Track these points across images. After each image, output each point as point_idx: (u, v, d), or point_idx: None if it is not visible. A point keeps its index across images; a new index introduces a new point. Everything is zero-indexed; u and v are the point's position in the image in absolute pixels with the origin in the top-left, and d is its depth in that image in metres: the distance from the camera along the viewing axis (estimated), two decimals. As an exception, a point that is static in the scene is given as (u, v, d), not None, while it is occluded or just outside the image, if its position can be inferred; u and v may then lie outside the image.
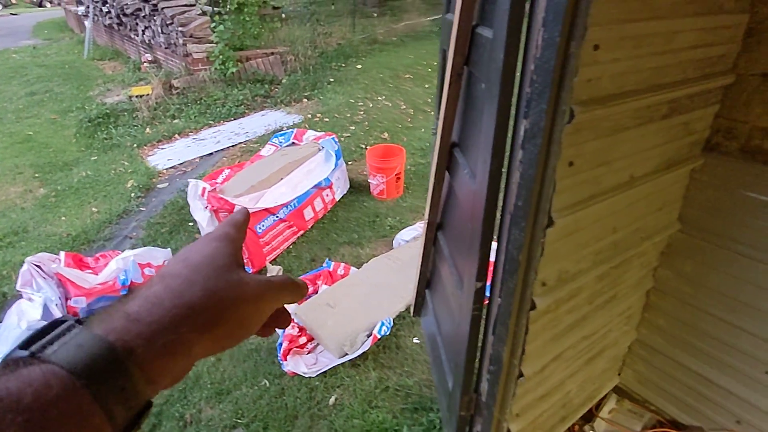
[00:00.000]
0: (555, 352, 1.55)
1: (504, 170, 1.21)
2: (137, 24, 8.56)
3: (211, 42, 7.32)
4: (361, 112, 6.51)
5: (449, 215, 1.84)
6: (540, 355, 1.48)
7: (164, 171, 5.25)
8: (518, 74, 1.11)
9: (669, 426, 1.91)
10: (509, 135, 1.17)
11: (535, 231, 1.20)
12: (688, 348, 1.83)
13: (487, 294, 1.40)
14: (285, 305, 0.46)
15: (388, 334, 2.90)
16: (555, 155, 1.09)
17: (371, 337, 2.80)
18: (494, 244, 1.29)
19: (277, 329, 0.49)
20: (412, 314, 2.61)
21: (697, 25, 1.19)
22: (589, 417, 2.01)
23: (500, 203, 1.26)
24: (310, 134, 4.45)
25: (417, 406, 2.53)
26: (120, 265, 3.19)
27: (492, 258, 1.34)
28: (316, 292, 3.20)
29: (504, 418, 1.55)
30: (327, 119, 6.31)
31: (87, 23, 10.35)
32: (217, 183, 3.70)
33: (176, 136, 6.16)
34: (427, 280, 2.31)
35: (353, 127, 6.07)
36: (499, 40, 1.08)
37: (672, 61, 1.20)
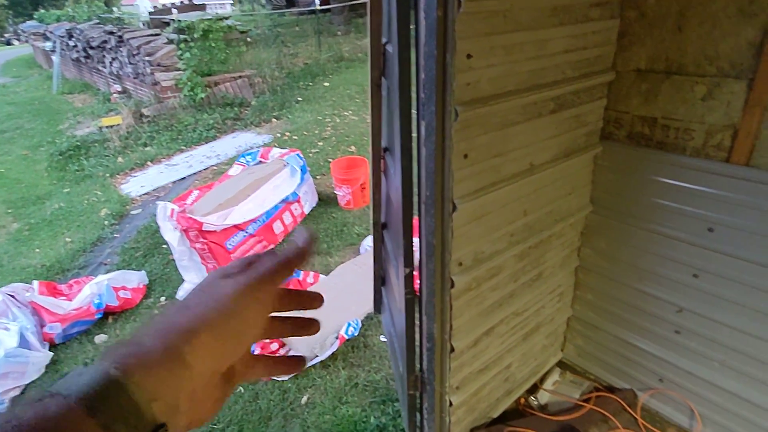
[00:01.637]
0: (485, 328, 1.72)
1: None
2: (104, 56, 8.69)
3: (179, 69, 7.48)
4: (329, 128, 6.71)
5: (389, 214, 2.01)
6: (469, 330, 1.66)
7: (137, 198, 5.36)
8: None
9: (605, 391, 2.09)
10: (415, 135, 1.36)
11: (444, 217, 1.38)
12: (613, 318, 2.02)
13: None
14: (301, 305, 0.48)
15: (356, 334, 3.05)
16: (449, 149, 1.28)
17: (339, 338, 2.95)
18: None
19: (302, 334, 0.49)
20: (373, 312, 2.77)
21: (564, 33, 1.39)
22: (535, 390, 2.18)
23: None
24: (276, 152, 4.62)
25: (384, 399, 2.68)
26: (94, 290, 3.30)
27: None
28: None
29: (445, 391, 1.71)
30: (296, 137, 6.49)
31: (54, 58, 10.43)
32: (186, 204, 3.84)
33: (149, 163, 6.27)
34: (381, 278, 2.48)
35: (321, 143, 6.26)
36: (396, 54, 1.27)
37: (548, 64, 1.41)
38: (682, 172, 1.58)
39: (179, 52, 7.42)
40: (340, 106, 7.54)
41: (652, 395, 1.98)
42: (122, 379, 0.31)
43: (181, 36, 7.70)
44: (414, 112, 1.33)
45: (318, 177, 5.33)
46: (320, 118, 7.04)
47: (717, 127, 1.46)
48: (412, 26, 1.20)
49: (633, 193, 1.74)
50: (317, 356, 2.93)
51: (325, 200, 4.82)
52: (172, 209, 3.49)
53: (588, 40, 1.49)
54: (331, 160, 5.43)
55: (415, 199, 1.44)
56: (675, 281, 1.73)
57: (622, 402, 2.00)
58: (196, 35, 7.71)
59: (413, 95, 1.30)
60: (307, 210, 4.56)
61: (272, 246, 4.11)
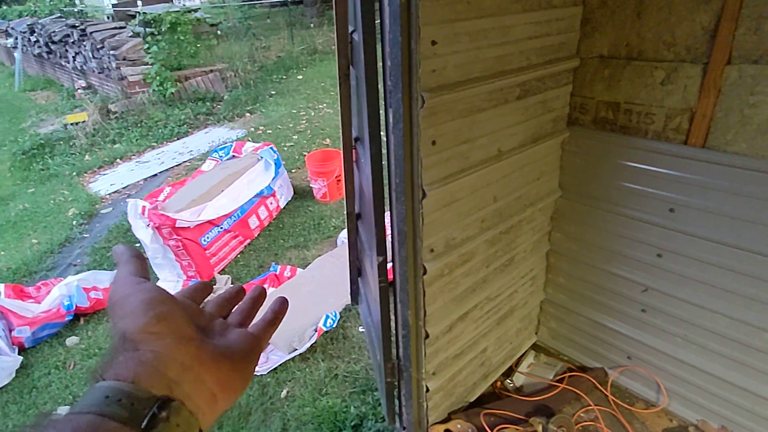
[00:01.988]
0: (459, 313, 1.75)
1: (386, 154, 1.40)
2: (67, 51, 8.41)
3: (146, 63, 7.30)
4: (304, 121, 6.66)
5: (362, 205, 2.02)
6: (443, 316, 1.68)
7: (107, 196, 5.23)
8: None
9: (577, 371, 2.15)
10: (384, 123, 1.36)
11: (414, 204, 1.39)
12: (584, 300, 2.07)
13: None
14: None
15: (335, 326, 3.06)
16: (417, 136, 1.29)
17: (317, 331, 2.95)
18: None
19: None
20: (350, 303, 2.78)
21: (528, 19, 1.41)
22: (511, 373, 2.23)
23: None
24: (249, 146, 4.56)
25: (364, 388, 2.70)
26: (63, 291, 3.21)
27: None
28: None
29: (421, 377, 1.74)
30: (270, 131, 6.42)
31: (16, 55, 10.05)
32: (158, 201, 3.76)
33: (118, 160, 6.12)
34: (357, 269, 2.49)
35: (296, 137, 6.21)
36: (361, 43, 1.27)
37: (513, 50, 1.43)
38: (644, 155, 1.63)
39: (146, 46, 7.23)
40: (314, 99, 7.48)
41: (622, 372, 2.04)
42: (120, 380, 0.33)
43: (148, 29, 7.50)
44: (381, 100, 1.34)
45: (293, 170, 5.30)
46: (294, 111, 6.97)
47: (675, 110, 1.51)
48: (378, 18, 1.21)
49: (599, 176, 1.79)
50: (296, 349, 2.92)
51: (301, 194, 4.79)
52: (144, 206, 3.42)
53: (552, 26, 1.52)
54: (306, 153, 5.40)
55: (387, 187, 1.45)
56: (640, 261, 1.79)
57: (593, 380, 2.06)
58: (163, 28, 7.54)
59: (380, 83, 1.31)
60: (282, 204, 4.53)
61: (248, 241, 4.07)
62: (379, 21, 1.24)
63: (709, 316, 1.66)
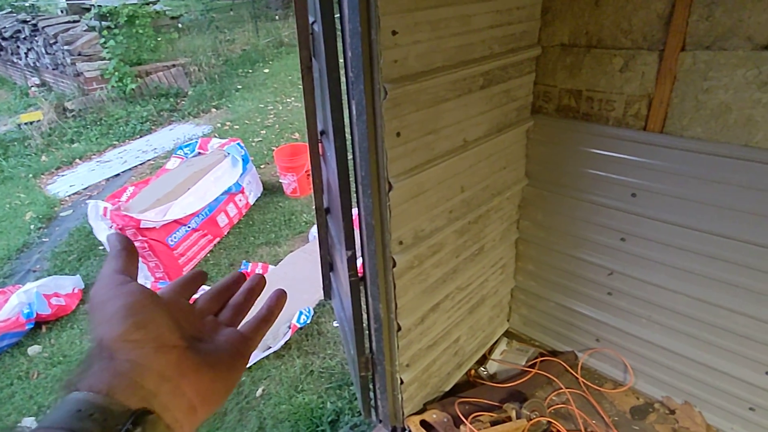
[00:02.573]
0: (430, 304, 1.75)
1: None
2: (18, 47, 8.02)
3: (104, 59, 7.02)
4: (272, 116, 6.55)
5: (330, 199, 1.99)
6: (414, 308, 1.68)
7: (67, 198, 5.03)
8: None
9: (549, 355, 2.19)
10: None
11: (381, 196, 1.38)
12: (553, 285, 2.11)
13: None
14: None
15: (309, 322, 3.03)
16: (381, 128, 1.28)
17: (291, 327, 2.92)
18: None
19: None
20: (324, 298, 2.76)
21: (489, 8, 1.41)
22: (484, 361, 2.25)
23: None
24: (215, 142, 4.46)
25: (340, 384, 2.69)
26: (22, 299, 3.08)
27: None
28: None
29: (395, 369, 1.74)
30: (237, 126, 6.29)
31: (-38, 51, 9.50)
32: (120, 201, 3.64)
33: (77, 160, 5.89)
34: (329, 264, 2.46)
35: (264, 131, 6.10)
36: (322, 33, 1.24)
37: (475, 39, 1.42)
38: (606, 142, 1.66)
39: (102, 40, 6.95)
40: (282, 92, 7.36)
41: (591, 355, 2.09)
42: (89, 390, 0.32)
43: (104, 23, 7.20)
44: (345, 92, 1.32)
45: (262, 166, 5.21)
46: (262, 105, 6.85)
47: (634, 97, 1.54)
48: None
49: (564, 164, 1.81)
50: (270, 347, 2.89)
51: (271, 189, 4.72)
52: (105, 207, 3.30)
53: (513, 15, 1.52)
54: (274, 148, 5.31)
55: (353, 181, 1.44)
56: (605, 246, 1.82)
57: (564, 364, 2.10)
58: (120, 21, 7.24)
59: (342, 75, 1.28)
60: (252, 200, 4.46)
61: (218, 239, 3.99)
62: (338, 12, 1.22)
63: (671, 296, 1.71)
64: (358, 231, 1.49)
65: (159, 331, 0.37)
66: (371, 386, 1.89)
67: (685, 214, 1.56)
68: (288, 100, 7.09)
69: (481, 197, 1.77)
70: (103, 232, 3.31)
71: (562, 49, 1.65)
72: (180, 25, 9.46)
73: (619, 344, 1.97)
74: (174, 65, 7.67)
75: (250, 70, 8.41)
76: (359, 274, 1.55)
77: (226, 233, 4.09)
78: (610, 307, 1.94)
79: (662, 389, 1.91)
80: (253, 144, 5.66)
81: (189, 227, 3.65)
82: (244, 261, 3.69)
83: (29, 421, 2.73)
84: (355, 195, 1.46)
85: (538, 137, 1.84)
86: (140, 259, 3.45)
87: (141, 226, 3.26)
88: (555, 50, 1.66)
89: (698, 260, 1.59)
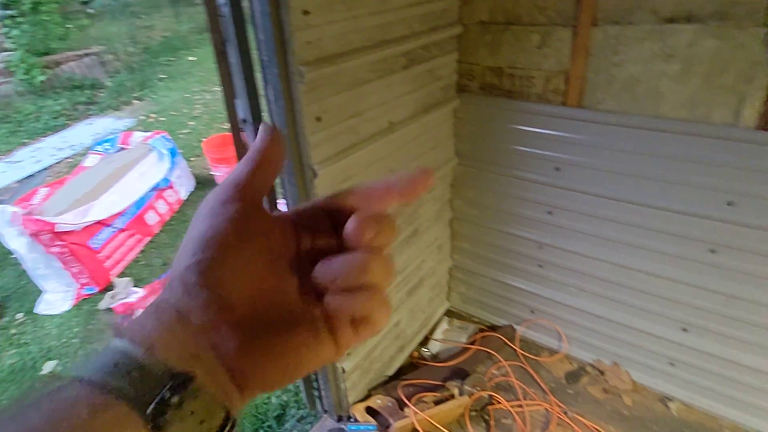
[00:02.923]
0: (367, 290, 1.73)
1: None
2: None
3: (8, 50, 6.39)
4: (199, 105, 6.24)
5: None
6: (351, 295, 1.65)
7: (-28, 204, 4.56)
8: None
9: (488, 331, 2.24)
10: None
11: (306, 184, 1.33)
12: (488, 262, 2.15)
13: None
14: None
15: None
16: (300, 113, 1.22)
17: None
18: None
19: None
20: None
21: (406, -15, 1.38)
22: (427, 342, 2.28)
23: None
24: (138, 136, 4.18)
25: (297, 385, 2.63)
26: (-77, 319, 2.77)
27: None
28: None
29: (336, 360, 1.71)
30: (163, 118, 5.95)
31: None
32: (32, 204, 3.34)
33: (-18, 162, 5.35)
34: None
35: (193, 122, 5.81)
36: (230, 15, 1.16)
37: (394, 18, 1.39)
38: (529, 118, 1.69)
39: (5, 30, 6.31)
40: (209, 81, 7.02)
41: (527, 326, 2.17)
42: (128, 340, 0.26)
43: (6, 11, 6.53)
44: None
45: (192, 159, 4.97)
46: (188, 95, 6.51)
47: (552, 72, 1.57)
48: None
49: (492, 141, 1.83)
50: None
51: (204, 183, 4.51)
52: (14, 212, 3.01)
53: (431, -8, 1.49)
54: (204, 139, 5.07)
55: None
56: (534, 220, 1.88)
57: (503, 338, 2.16)
58: (24, 8, 6.59)
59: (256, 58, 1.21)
60: (184, 195, 4.24)
61: (148, 238, 3.77)
62: (244, -11, 1.14)
63: (596, 264, 1.79)
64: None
65: (226, 284, 0.28)
66: (314, 377, 1.86)
67: (604, 185, 1.63)
68: (216, 88, 6.76)
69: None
70: (14, 239, 3.02)
71: (482, 27, 1.65)
72: (91, 11, 8.76)
73: (553, 314, 2.05)
74: (87, 54, 7.11)
75: (173, 58, 7.95)
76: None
77: (157, 232, 3.87)
78: (542, 279, 2.00)
79: (593, 353, 2.01)
80: (181, 136, 5.37)
81: (114, 228, 3.42)
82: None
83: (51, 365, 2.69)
84: (280, 184, 1.40)
85: (465, 116, 1.84)
86: (60, 265, 3.21)
87: (57, 230, 3.01)
88: (475, 28, 1.66)
89: (617, 228, 1.67)
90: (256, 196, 0.31)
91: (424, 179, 0.32)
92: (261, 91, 1.27)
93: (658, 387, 1.86)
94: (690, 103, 1.36)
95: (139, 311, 0.28)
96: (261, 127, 0.32)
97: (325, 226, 0.33)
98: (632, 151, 1.51)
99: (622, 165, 1.56)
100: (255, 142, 0.32)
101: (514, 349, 2.12)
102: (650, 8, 1.33)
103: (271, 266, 0.30)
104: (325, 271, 0.29)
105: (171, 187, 4.01)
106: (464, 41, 1.71)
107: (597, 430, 1.76)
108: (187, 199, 4.26)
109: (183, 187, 4.22)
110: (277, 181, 1.39)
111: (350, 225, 0.29)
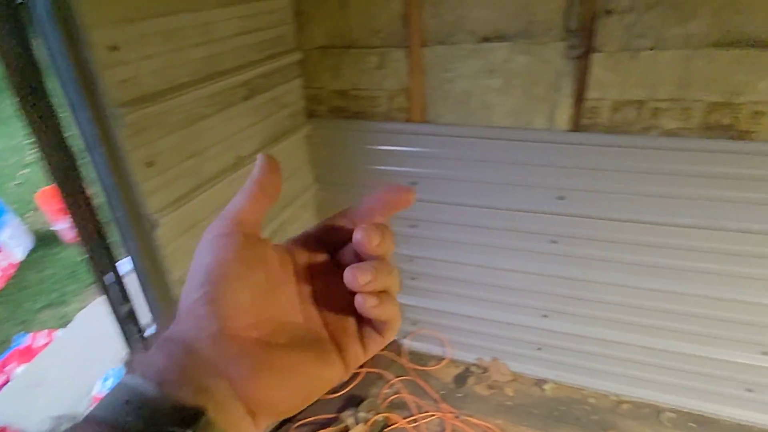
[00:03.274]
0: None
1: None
2: None
3: None
4: (33, 152, 5.45)
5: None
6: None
7: None
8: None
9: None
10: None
11: (146, 236, 1.19)
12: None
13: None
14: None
15: (118, 386, 2.59)
16: (125, 160, 1.09)
17: (94, 400, 2.45)
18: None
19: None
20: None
21: (233, 14, 1.32)
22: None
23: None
24: (-51, 196, 3.51)
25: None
26: None
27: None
28: (8, 382, 2.61)
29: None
30: (-14, 170, 5.09)
31: None
32: None
33: None
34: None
35: (25, 171, 5.06)
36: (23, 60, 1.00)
37: (223, 48, 1.32)
38: (379, 137, 1.73)
39: None
40: (42, 122, 6.19)
41: (412, 339, 2.20)
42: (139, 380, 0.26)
43: None
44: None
45: (28, 214, 4.31)
46: (15, 142, 5.66)
47: (394, 91, 1.62)
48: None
49: (348, 163, 1.84)
50: None
51: (45, 240, 3.93)
52: None
53: (262, 20, 1.45)
54: (38, 191, 4.44)
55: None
56: (401, 235, 1.91)
57: (390, 355, 2.17)
58: None
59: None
60: (20, 257, 3.65)
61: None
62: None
63: (462, 268, 1.88)
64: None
65: (232, 312, 0.29)
66: None
67: (458, 194, 1.72)
68: (53, 130, 5.99)
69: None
70: None
71: (322, 52, 1.65)
72: None
73: (432, 322, 2.11)
74: None
75: (-5, 100, 6.88)
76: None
77: (-12, 305, 3.26)
78: (417, 290, 2.05)
79: (474, 352, 2.10)
80: (10, 191, 4.64)
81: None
82: (21, 333, 2.98)
83: None
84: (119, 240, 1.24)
85: (319, 140, 1.83)
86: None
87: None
88: (316, 53, 1.66)
89: (473, 232, 1.77)
90: (255, 227, 0.32)
91: (406, 190, 0.34)
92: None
93: (532, 372, 2.00)
94: (514, 112, 1.50)
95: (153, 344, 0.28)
96: (258, 158, 0.33)
97: (320, 253, 0.35)
98: (475, 159, 1.62)
99: (469, 173, 1.66)
100: (253, 173, 0.33)
101: (402, 364, 2.14)
102: (468, 29, 1.44)
103: (274, 293, 0.31)
104: (357, 273, 0.29)
105: (0, 251, 3.43)
106: (307, 66, 1.70)
107: (486, 427, 1.83)
108: (25, 261, 3.68)
109: (19, 248, 3.64)
110: (115, 239, 1.23)
111: (358, 233, 0.30)
